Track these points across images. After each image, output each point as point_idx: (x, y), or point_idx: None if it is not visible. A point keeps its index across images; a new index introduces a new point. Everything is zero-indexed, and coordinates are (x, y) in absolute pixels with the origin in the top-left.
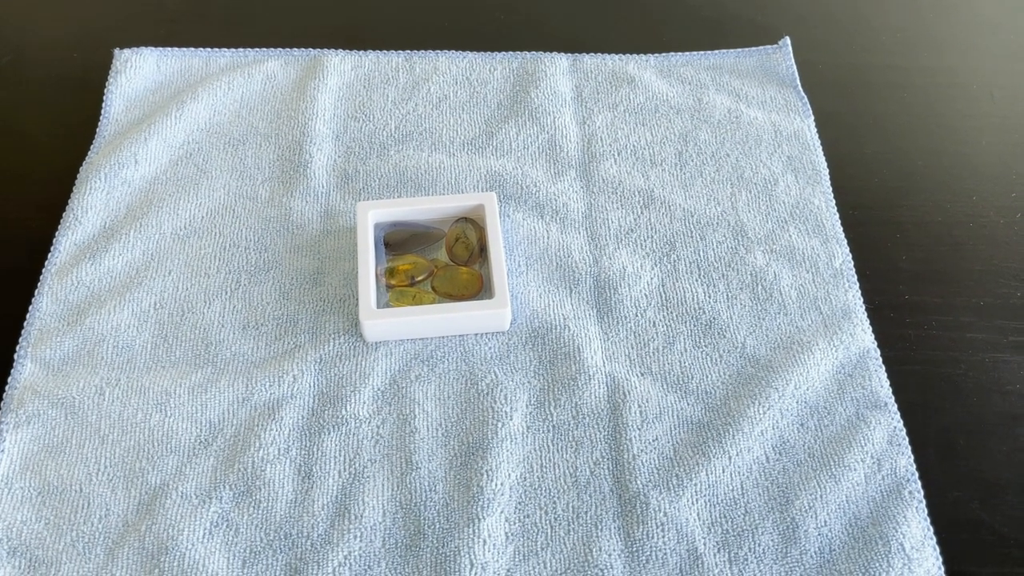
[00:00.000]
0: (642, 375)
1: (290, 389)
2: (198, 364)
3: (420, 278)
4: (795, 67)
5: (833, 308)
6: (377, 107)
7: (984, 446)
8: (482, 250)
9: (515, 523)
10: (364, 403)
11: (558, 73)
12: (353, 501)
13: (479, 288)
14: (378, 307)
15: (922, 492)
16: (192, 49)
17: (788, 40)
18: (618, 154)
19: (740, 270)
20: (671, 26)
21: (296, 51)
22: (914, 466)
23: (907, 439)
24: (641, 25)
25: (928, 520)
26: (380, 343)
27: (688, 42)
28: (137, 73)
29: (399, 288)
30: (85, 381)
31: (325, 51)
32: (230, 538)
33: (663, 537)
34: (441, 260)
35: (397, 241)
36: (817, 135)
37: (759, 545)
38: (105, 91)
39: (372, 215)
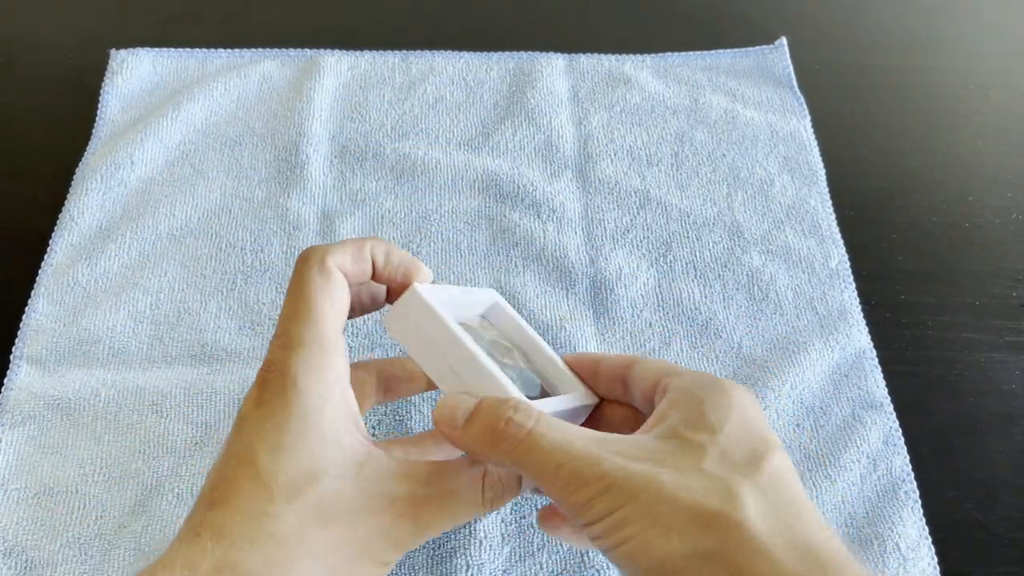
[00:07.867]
0: None
1: None
2: (194, 365)
3: None
4: (792, 67)
5: (829, 308)
6: (373, 107)
7: (980, 446)
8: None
9: (511, 524)
10: None
11: (554, 73)
12: None
13: None
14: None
15: (918, 492)
16: (188, 50)
17: (785, 40)
18: (614, 154)
19: (736, 271)
20: (667, 26)
21: (292, 52)
22: (910, 466)
23: (903, 439)
24: (637, 25)
25: (923, 520)
26: (381, 345)
27: (684, 42)
28: (133, 74)
29: None
30: (81, 382)
31: (321, 51)
32: None
33: None
34: None
35: None
36: (814, 135)
37: None
38: (101, 92)
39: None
